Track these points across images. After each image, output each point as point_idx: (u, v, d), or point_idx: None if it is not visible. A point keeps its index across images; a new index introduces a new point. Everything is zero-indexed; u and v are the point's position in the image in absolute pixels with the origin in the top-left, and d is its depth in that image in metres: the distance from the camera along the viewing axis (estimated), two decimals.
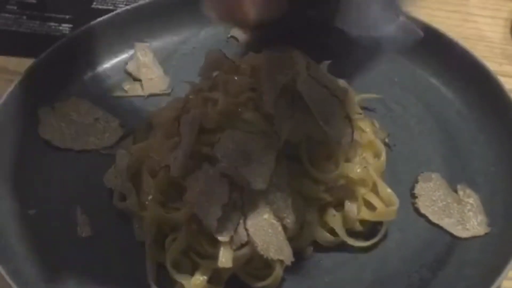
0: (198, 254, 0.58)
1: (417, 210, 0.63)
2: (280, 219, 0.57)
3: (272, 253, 0.56)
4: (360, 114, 0.66)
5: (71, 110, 0.70)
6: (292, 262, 0.57)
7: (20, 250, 0.60)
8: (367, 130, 0.65)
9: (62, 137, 0.68)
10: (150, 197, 0.60)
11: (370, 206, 0.61)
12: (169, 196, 0.60)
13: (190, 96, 0.62)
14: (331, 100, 0.61)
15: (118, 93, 0.73)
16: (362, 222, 0.61)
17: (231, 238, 0.56)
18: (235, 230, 0.56)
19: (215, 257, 0.56)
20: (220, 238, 0.56)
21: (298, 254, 0.59)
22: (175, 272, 0.57)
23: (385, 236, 0.61)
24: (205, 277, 0.57)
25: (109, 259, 0.60)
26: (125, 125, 0.69)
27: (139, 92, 0.73)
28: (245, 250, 0.57)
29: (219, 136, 0.58)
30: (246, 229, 0.57)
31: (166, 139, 0.62)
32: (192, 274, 0.58)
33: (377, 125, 0.67)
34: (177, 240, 0.58)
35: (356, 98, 0.69)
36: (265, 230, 0.57)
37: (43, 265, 0.59)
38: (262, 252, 0.56)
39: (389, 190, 0.62)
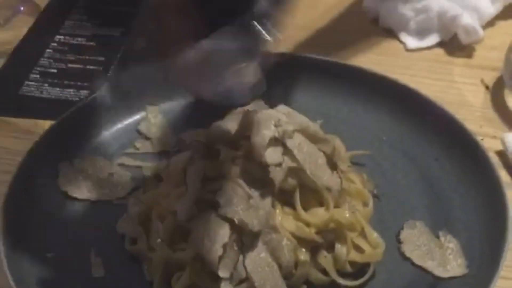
0: None
1: (402, 254, 0.69)
2: (275, 258, 0.64)
3: None
4: (350, 167, 0.73)
5: (87, 166, 0.77)
6: None
7: None
8: (356, 181, 0.72)
9: (79, 189, 0.75)
10: (158, 240, 0.66)
11: (358, 249, 0.67)
12: (176, 238, 0.66)
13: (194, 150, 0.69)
14: (319, 154, 0.68)
15: (131, 150, 0.80)
16: (351, 263, 0.67)
17: (231, 274, 0.62)
18: (235, 267, 0.62)
19: None
20: (221, 274, 0.62)
21: None
22: None
23: (372, 276, 0.66)
24: None
25: None
26: (136, 178, 0.76)
27: (150, 149, 0.80)
28: (243, 286, 0.62)
29: (221, 184, 0.65)
30: (245, 267, 0.63)
31: (174, 188, 0.68)
32: None
33: (365, 177, 0.73)
34: (182, 278, 0.64)
35: (347, 154, 0.75)
36: (262, 267, 0.63)
37: None
38: None
39: (375, 234, 0.68)
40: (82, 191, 0.75)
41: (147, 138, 0.81)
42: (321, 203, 0.67)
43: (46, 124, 0.80)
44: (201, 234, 0.63)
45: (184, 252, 0.64)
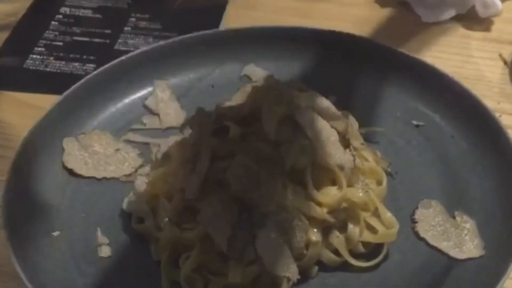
0: (210, 271, 0.62)
1: (416, 234, 0.67)
2: (286, 238, 0.62)
3: (279, 270, 0.60)
4: (363, 144, 0.71)
5: (93, 142, 0.75)
6: (298, 280, 0.61)
7: (44, 268, 0.64)
8: (369, 159, 0.69)
9: (85, 166, 0.73)
10: (166, 219, 0.64)
11: (371, 229, 0.65)
12: (184, 218, 0.64)
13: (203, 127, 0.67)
14: (331, 131, 0.66)
15: (138, 126, 0.78)
16: (364, 243, 0.65)
17: (241, 255, 0.60)
18: (244, 248, 0.61)
19: (225, 274, 0.61)
20: (230, 255, 0.60)
21: (304, 273, 0.63)
22: None
23: (386, 257, 0.65)
24: None
25: (127, 277, 0.65)
26: (143, 155, 0.74)
27: (157, 125, 0.78)
28: (253, 267, 0.61)
29: (231, 162, 0.63)
30: (255, 247, 0.61)
31: (182, 166, 0.66)
32: None
33: (379, 154, 0.71)
34: (190, 258, 0.62)
35: (361, 131, 0.73)
36: (273, 248, 0.61)
37: (65, 283, 0.63)
38: (269, 269, 0.60)
39: (389, 214, 0.66)
40: (88, 169, 0.73)
41: (154, 114, 0.79)
42: (334, 182, 0.65)
43: (51, 98, 0.78)
44: (209, 214, 0.62)
45: (192, 232, 0.62)
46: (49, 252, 0.65)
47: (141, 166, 0.73)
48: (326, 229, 0.64)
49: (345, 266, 0.64)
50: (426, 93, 0.78)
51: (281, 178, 0.63)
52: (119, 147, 0.75)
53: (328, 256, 0.64)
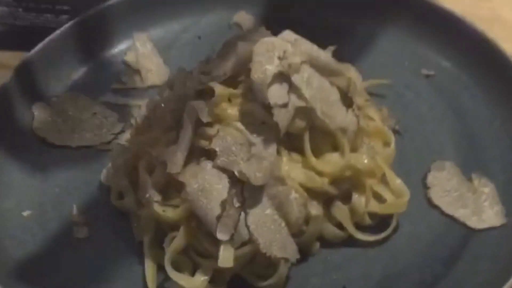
0: (198, 253, 0.55)
1: (429, 201, 0.60)
2: (283, 214, 0.55)
3: (275, 251, 0.54)
4: (368, 101, 0.63)
5: (67, 106, 0.67)
6: (297, 259, 0.54)
7: (13, 254, 0.57)
8: (375, 117, 0.62)
9: (58, 133, 0.65)
10: (147, 195, 0.57)
11: (379, 198, 0.58)
12: (167, 193, 0.57)
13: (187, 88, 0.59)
14: (331, 90, 0.58)
15: (116, 86, 0.70)
16: (371, 215, 0.58)
17: (232, 236, 0.53)
18: (236, 228, 0.54)
19: (215, 256, 0.54)
20: (220, 236, 0.53)
21: (304, 251, 0.56)
22: (175, 273, 0.55)
23: (395, 230, 0.58)
24: (206, 277, 0.55)
25: (108, 261, 0.58)
26: (123, 119, 0.66)
27: (138, 84, 0.70)
28: (247, 249, 0.54)
29: (217, 129, 0.55)
30: (248, 226, 0.54)
31: (164, 133, 0.59)
32: (192, 274, 0.55)
33: (386, 112, 0.64)
34: (175, 239, 0.55)
35: (364, 84, 0.65)
36: (268, 226, 0.54)
37: (37, 270, 0.57)
38: (264, 250, 0.53)
39: (399, 180, 0.59)
40: (62, 137, 0.65)
41: (135, 71, 0.71)
42: (335, 148, 0.58)
43: (20, 56, 0.69)
44: (195, 190, 0.54)
45: (176, 210, 0.55)
46: (18, 234, 0.59)
47: (121, 132, 0.66)
48: (328, 201, 0.57)
49: (350, 241, 0.58)
50: (436, 38, 0.71)
51: (275, 146, 0.55)
52: (96, 110, 0.68)
53: (330, 230, 0.57)
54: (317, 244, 0.57)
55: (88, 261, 0.58)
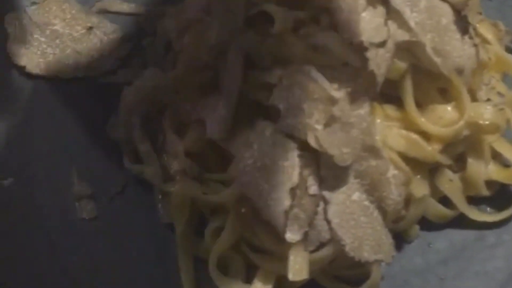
0: (253, 247, 0.40)
1: None
2: (376, 199, 0.39)
3: (367, 253, 0.40)
4: (480, 13, 0.45)
5: (52, 17, 0.50)
6: None
7: None
8: (488, 37, 0.44)
9: (43, 60, 0.49)
10: (177, 167, 0.40)
11: (500, 160, 0.42)
12: (207, 163, 0.40)
13: None
14: (442, 9, 0.40)
15: None
16: (489, 183, 0.43)
17: (305, 235, 0.37)
18: (311, 223, 0.37)
19: (280, 256, 0.38)
20: (289, 238, 0.37)
21: (399, 237, 0.42)
22: (224, 278, 0.40)
23: None
24: (269, 286, 0.39)
25: (122, 251, 0.43)
26: (130, 38, 0.48)
27: None
28: (326, 251, 0.39)
29: (280, 75, 0.38)
30: (328, 221, 0.38)
31: (194, 72, 0.41)
32: (246, 277, 0.40)
33: (502, 28, 0.46)
34: (223, 234, 0.39)
35: None
36: (356, 219, 0.39)
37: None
38: (352, 254, 0.39)
39: None
40: (48, 64, 0.48)
41: None
42: (443, 94, 0.40)
43: None
44: (250, 166, 0.38)
45: (222, 193, 0.39)
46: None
47: (129, 55, 0.47)
48: (433, 170, 0.41)
49: (459, 222, 0.43)
50: None
51: (368, 103, 0.38)
52: (91, 23, 0.49)
53: (436, 209, 0.43)
54: (417, 228, 0.42)
55: (97, 252, 0.43)
